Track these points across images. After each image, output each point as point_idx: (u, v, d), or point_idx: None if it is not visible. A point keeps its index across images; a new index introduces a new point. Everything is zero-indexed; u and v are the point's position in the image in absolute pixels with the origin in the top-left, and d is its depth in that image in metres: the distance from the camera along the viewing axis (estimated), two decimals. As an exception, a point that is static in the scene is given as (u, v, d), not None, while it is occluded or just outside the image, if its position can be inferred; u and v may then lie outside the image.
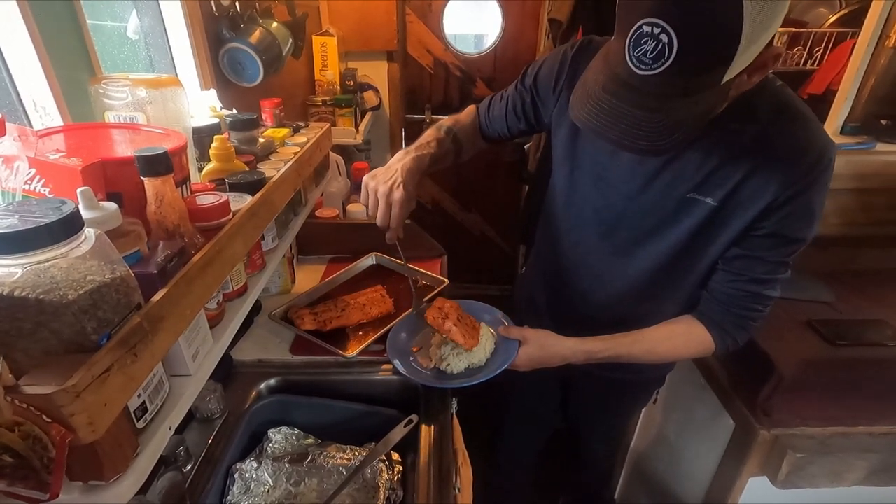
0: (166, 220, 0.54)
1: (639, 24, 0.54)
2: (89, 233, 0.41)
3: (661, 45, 0.53)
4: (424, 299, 1.15)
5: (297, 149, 0.95)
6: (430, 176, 2.70)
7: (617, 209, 0.85)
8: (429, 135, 0.96)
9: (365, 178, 0.88)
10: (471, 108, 1.03)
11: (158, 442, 0.48)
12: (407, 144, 2.49)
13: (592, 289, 0.95)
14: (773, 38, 0.59)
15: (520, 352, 0.88)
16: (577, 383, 1.17)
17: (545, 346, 0.88)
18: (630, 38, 0.56)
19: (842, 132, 1.47)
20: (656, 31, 0.53)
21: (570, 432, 1.38)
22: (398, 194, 0.83)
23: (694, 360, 1.26)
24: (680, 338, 0.85)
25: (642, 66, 0.56)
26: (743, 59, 0.55)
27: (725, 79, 0.56)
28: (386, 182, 0.85)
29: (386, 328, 1.03)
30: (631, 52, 0.56)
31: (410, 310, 1.08)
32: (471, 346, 0.90)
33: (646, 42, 0.54)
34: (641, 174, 0.80)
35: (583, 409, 1.26)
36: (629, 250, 0.87)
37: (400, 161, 0.88)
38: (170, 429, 0.51)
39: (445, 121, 0.99)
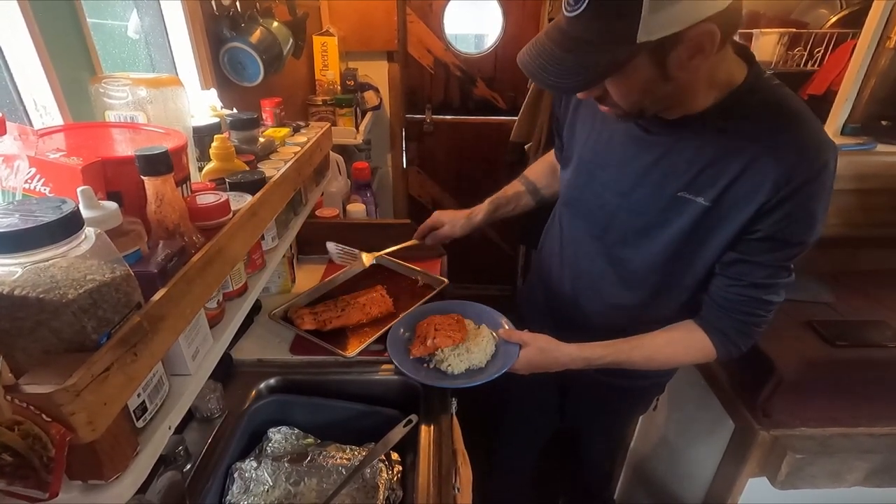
0: (166, 219, 0.54)
1: None
2: (89, 232, 0.41)
3: None
4: (422, 301, 1.15)
5: (298, 148, 0.95)
6: (430, 176, 2.72)
7: (610, 208, 0.84)
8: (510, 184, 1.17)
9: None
10: (550, 152, 1.12)
11: (158, 441, 0.48)
12: (407, 144, 2.52)
13: (587, 293, 0.94)
14: (712, 16, 0.58)
15: (520, 355, 0.88)
16: (575, 387, 1.17)
17: (544, 351, 0.87)
18: None
19: (842, 133, 1.47)
20: None
21: (570, 434, 1.38)
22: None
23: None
24: (679, 344, 0.84)
25: (568, 8, 0.62)
26: (656, 22, 0.58)
27: (641, 38, 0.59)
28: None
29: (386, 328, 1.03)
30: None
31: (412, 308, 1.08)
32: (462, 338, 0.93)
33: None
34: (632, 171, 0.80)
35: (580, 414, 1.25)
36: (619, 252, 0.86)
37: None
38: (169, 428, 0.51)
39: (526, 170, 1.19)
